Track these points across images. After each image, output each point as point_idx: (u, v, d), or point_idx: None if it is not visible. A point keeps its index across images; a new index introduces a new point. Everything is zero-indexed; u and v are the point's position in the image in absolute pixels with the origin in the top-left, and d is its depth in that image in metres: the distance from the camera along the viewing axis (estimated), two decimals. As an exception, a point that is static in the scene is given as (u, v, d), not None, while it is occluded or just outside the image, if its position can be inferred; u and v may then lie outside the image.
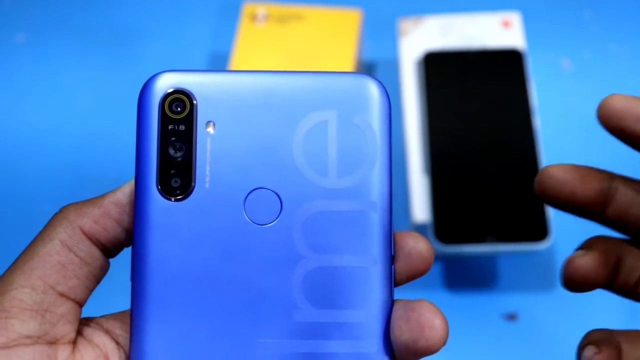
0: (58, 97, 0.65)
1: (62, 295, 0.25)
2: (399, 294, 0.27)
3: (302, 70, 0.29)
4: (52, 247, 0.26)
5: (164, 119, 0.27)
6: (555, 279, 0.56)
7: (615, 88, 0.63)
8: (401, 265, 0.27)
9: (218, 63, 0.65)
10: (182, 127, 0.27)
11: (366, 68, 0.65)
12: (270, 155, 0.27)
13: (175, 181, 0.27)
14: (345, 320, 0.26)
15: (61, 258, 0.26)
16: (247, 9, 0.62)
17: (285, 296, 0.26)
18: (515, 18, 0.61)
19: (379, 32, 0.66)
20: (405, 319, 0.25)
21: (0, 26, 0.69)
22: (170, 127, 0.27)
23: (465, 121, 0.57)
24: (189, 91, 0.27)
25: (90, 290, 0.27)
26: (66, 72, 0.66)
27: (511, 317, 0.55)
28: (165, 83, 0.27)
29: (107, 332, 0.27)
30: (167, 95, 0.27)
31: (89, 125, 0.64)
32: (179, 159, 0.27)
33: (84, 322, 0.27)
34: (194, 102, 0.27)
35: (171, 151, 0.27)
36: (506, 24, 0.61)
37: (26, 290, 0.25)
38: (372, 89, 0.27)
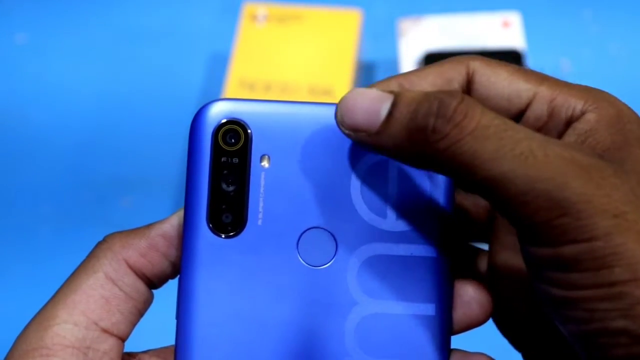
0: (58, 97, 0.65)
1: (105, 331, 0.25)
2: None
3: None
4: (96, 281, 0.25)
5: (216, 151, 0.25)
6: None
7: (615, 88, 0.63)
8: (459, 314, 0.26)
9: (218, 63, 0.65)
10: (235, 160, 0.25)
11: (366, 68, 0.65)
12: (326, 193, 0.25)
13: (227, 217, 0.25)
14: None
15: (105, 292, 0.25)
16: (247, 10, 0.62)
17: (337, 343, 0.25)
18: (515, 18, 0.61)
19: (379, 32, 0.66)
20: None
21: (0, 26, 0.69)
22: (223, 159, 0.25)
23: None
24: (244, 121, 0.25)
25: (134, 325, 0.26)
26: (67, 72, 0.66)
27: (511, 316, 0.55)
28: (219, 112, 0.26)
29: None
30: (221, 125, 0.25)
31: (90, 125, 0.64)
32: (231, 194, 0.25)
33: (126, 358, 0.26)
34: (249, 133, 0.25)
35: (223, 185, 0.25)
36: (506, 24, 0.61)
37: (69, 327, 0.24)
38: None
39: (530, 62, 0.60)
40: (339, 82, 0.58)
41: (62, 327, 0.24)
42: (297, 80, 0.59)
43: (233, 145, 0.26)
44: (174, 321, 0.26)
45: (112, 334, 0.25)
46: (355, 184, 0.26)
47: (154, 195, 0.60)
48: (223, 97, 0.59)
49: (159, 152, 0.62)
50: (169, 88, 0.65)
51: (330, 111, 0.25)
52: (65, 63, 0.67)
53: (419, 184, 0.26)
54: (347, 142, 0.25)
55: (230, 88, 0.59)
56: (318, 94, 0.58)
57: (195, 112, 0.26)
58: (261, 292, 0.25)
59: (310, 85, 0.59)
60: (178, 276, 0.26)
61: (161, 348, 0.27)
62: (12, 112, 0.65)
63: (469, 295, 0.26)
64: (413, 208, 0.26)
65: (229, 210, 0.25)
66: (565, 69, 0.65)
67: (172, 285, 0.27)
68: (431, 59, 0.59)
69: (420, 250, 0.25)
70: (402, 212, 0.25)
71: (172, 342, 0.26)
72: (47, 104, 0.65)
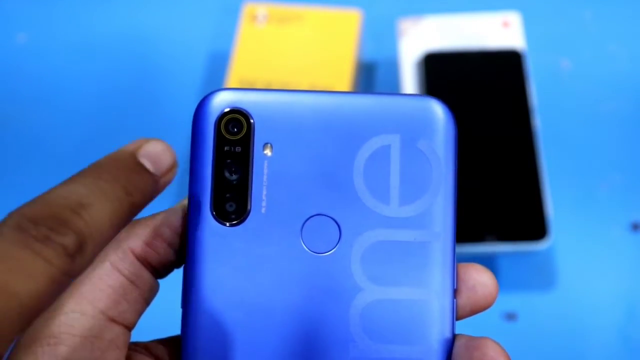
0: (58, 97, 0.65)
1: (111, 320, 0.25)
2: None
3: (366, 92, 0.27)
4: (102, 270, 0.25)
5: (219, 140, 0.26)
6: (555, 279, 0.56)
7: (614, 88, 0.63)
8: (464, 299, 0.26)
9: (218, 63, 0.65)
10: (238, 149, 0.26)
11: (366, 68, 0.65)
12: (329, 180, 0.26)
13: (230, 205, 0.26)
14: (404, 356, 0.25)
15: (111, 281, 0.25)
16: (247, 10, 0.62)
17: (341, 329, 0.25)
18: (515, 18, 0.61)
19: (379, 32, 0.66)
20: (467, 357, 0.25)
21: (1, 26, 0.69)
22: (226, 148, 0.26)
23: (464, 121, 0.57)
24: (247, 111, 0.26)
25: (140, 314, 0.26)
26: (67, 72, 0.66)
27: (511, 316, 0.55)
28: (222, 101, 0.26)
29: (157, 358, 0.26)
30: (224, 114, 0.26)
31: (90, 125, 0.64)
32: (235, 182, 0.26)
33: (132, 347, 0.26)
34: (252, 122, 0.26)
35: (227, 174, 0.26)
36: (506, 24, 0.61)
37: (76, 316, 0.24)
38: (438, 112, 0.26)
39: (531, 62, 0.60)
40: (339, 82, 0.58)
41: (69, 316, 0.24)
42: (297, 80, 0.59)
43: (236, 134, 0.26)
44: (180, 310, 0.26)
45: (118, 323, 0.25)
46: (357, 170, 0.26)
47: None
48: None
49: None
50: (169, 88, 0.65)
51: (332, 99, 0.26)
52: (65, 63, 0.67)
53: (421, 170, 0.26)
54: (349, 130, 0.26)
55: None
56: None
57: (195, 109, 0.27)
58: (266, 280, 0.25)
59: (310, 85, 0.59)
60: (183, 265, 0.26)
61: (167, 337, 0.27)
62: (12, 112, 0.65)
63: (473, 280, 0.26)
64: (415, 194, 0.26)
65: (232, 198, 0.26)
66: (565, 69, 0.65)
67: (178, 274, 0.27)
68: (431, 59, 0.59)
69: (423, 235, 0.26)
70: (405, 198, 0.26)
71: (178, 331, 0.26)
72: (47, 104, 0.65)
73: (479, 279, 0.26)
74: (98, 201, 0.21)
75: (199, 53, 0.67)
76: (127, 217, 0.22)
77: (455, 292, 0.26)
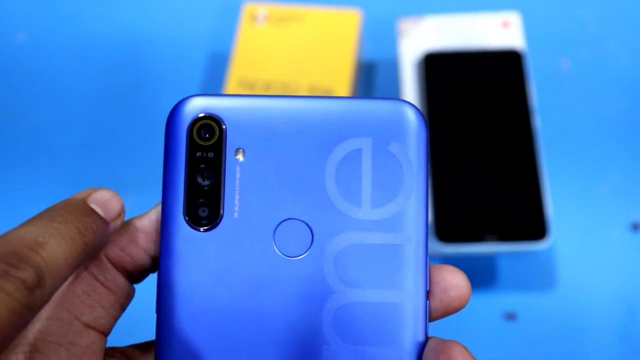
0: (58, 97, 0.65)
1: (87, 326, 0.25)
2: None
3: (337, 96, 0.28)
4: (78, 277, 0.25)
5: (192, 146, 0.26)
6: (555, 279, 0.56)
7: (614, 88, 0.63)
8: (436, 301, 0.26)
9: (218, 63, 0.65)
10: (210, 154, 0.26)
11: (366, 68, 0.65)
12: (301, 184, 0.26)
13: (203, 211, 0.26)
14: (376, 358, 0.25)
15: (87, 288, 0.25)
16: (247, 10, 0.62)
17: (314, 332, 0.25)
18: (514, 18, 0.61)
19: (379, 32, 0.66)
20: None
21: (1, 26, 0.69)
22: (198, 154, 0.26)
23: (465, 121, 0.57)
24: (219, 116, 0.26)
25: (116, 319, 0.26)
26: (67, 72, 0.66)
27: (511, 316, 0.55)
28: (194, 107, 0.26)
29: None
30: (196, 120, 0.26)
31: (90, 125, 0.64)
32: (207, 188, 0.26)
33: (108, 353, 0.26)
34: (224, 128, 0.26)
35: (199, 179, 0.26)
36: (506, 24, 0.61)
37: (51, 322, 0.24)
38: (409, 115, 0.26)
39: (531, 62, 0.60)
40: (339, 82, 0.58)
41: (44, 323, 0.24)
42: (297, 80, 0.59)
43: (208, 140, 0.26)
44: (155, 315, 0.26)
45: (94, 329, 0.25)
46: (329, 174, 0.26)
47: (154, 195, 0.60)
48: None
49: (160, 152, 0.62)
50: (168, 88, 0.65)
51: (304, 103, 0.26)
52: (65, 63, 0.67)
53: (393, 173, 0.26)
54: (321, 133, 0.26)
55: (230, 88, 0.59)
56: (318, 94, 0.58)
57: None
58: (239, 284, 0.26)
59: (310, 85, 0.59)
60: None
61: (144, 342, 0.27)
62: (12, 112, 0.65)
63: (446, 282, 0.26)
64: (387, 197, 0.26)
65: (205, 204, 0.26)
66: (565, 69, 0.65)
67: (155, 278, 0.27)
68: (431, 59, 0.59)
69: (395, 238, 0.26)
70: (377, 201, 0.26)
71: (154, 336, 0.26)
72: (46, 104, 0.65)
73: (452, 280, 0.26)
74: (53, 239, 0.22)
75: (198, 53, 0.67)
76: (81, 256, 0.23)
77: (428, 294, 0.26)
